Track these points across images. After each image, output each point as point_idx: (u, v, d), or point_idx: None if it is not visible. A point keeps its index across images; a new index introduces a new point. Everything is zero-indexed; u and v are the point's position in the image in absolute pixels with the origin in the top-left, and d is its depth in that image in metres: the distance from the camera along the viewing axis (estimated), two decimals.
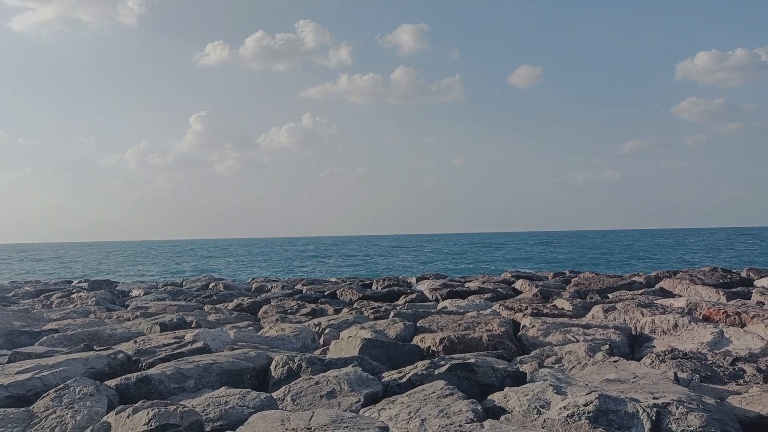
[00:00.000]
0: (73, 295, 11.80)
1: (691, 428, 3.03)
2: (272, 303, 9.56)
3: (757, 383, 4.28)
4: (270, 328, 6.91)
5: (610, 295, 9.39)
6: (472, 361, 4.31)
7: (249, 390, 3.98)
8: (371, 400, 3.89)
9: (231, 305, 9.70)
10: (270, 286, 13.34)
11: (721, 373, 4.51)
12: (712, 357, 4.83)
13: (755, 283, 10.17)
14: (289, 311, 8.87)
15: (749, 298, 8.31)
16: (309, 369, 4.50)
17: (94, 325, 7.70)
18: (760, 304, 7.50)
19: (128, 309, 9.67)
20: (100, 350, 5.21)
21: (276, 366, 4.66)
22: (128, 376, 4.33)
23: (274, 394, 4.01)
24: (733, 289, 9.09)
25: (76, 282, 17.95)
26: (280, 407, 3.80)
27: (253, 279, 17.45)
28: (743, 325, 6.10)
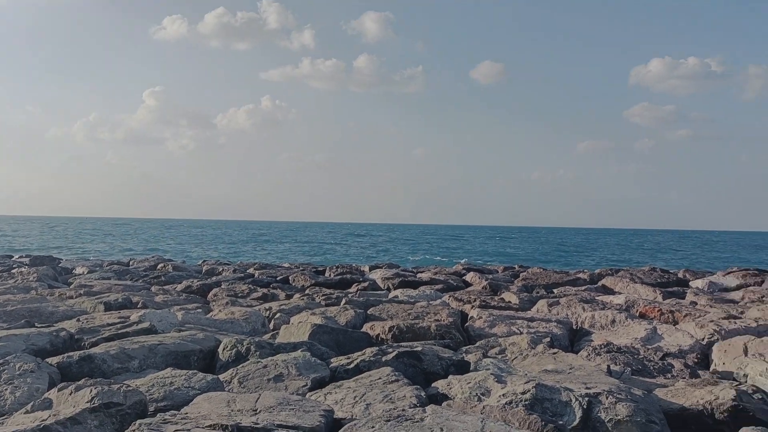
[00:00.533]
0: (14, 270, 11.37)
1: (619, 417, 3.22)
2: (223, 286, 9.47)
3: (684, 378, 4.55)
4: (219, 311, 6.87)
5: (555, 291, 9.72)
6: (419, 349, 4.43)
7: (195, 371, 3.97)
8: (318, 384, 3.95)
9: (180, 287, 9.54)
10: (221, 269, 13.17)
11: (651, 367, 4.77)
12: (644, 352, 5.10)
13: (690, 284, 10.71)
14: (239, 295, 8.81)
15: (684, 298, 8.77)
16: (257, 353, 4.51)
17: (36, 301, 7.46)
18: (693, 303, 7.93)
19: (71, 287, 9.39)
20: (42, 327, 5.08)
21: (224, 349, 4.65)
22: (70, 354, 4.25)
23: (221, 377, 4.02)
24: (670, 289, 9.57)
25: (17, 257, 17.25)
26: (226, 389, 3.81)
27: (204, 261, 17.15)
28: (676, 323, 6.46)
